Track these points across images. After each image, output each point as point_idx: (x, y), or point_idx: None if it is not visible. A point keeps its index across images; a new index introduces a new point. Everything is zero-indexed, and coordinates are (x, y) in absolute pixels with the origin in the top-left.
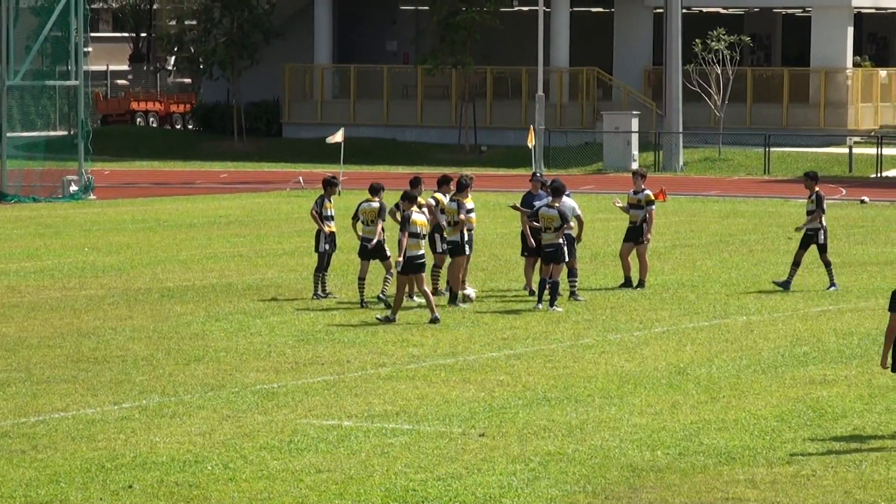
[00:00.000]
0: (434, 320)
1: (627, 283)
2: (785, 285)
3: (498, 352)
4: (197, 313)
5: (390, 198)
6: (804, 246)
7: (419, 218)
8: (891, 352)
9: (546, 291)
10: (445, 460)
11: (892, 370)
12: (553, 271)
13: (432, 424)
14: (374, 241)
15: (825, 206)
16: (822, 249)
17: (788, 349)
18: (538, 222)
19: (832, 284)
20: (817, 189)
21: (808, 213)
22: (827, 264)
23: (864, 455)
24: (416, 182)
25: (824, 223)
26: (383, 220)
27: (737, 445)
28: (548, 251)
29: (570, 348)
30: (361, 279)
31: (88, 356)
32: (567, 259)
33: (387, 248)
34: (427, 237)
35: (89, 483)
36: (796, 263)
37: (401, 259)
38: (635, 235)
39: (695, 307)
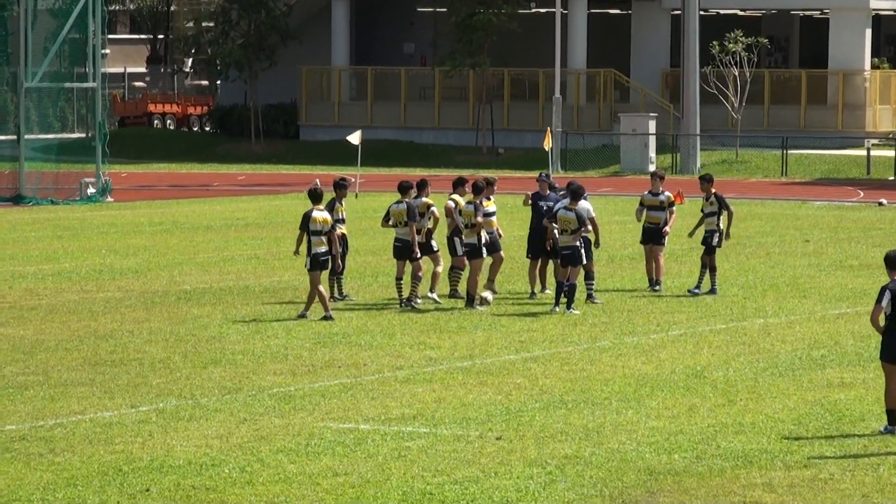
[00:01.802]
0: (326, 318)
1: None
2: (695, 291)
3: (515, 355)
4: (214, 316)
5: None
6: (711, 251)
7: (319, 215)
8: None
9: (563, 294)
10: (462, 463)
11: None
12: (570, 274)
13: (449, 428)
14: (419, 239)
15: (728, 205)
16: (712, 252)
17: (806, 352)
18: (556, 224)
19: (712, 289)
20: (714, 191)
21: (707, 215)
22: (712, 269)
23: (882, 458)
24: (422, 184)
25: (721, 226)
26: (415, 220)
27: (754, 449)
28: (565, 253)
29: (586, 351)
30: (399, 279)
31: (106, 359)
32: (584, 261)
33: (417, 250)
34: (447, 240)
35: (106, 486)
36: (704, 266)
37: (308, 257)
38: (656, 237)
39: (712, 310)
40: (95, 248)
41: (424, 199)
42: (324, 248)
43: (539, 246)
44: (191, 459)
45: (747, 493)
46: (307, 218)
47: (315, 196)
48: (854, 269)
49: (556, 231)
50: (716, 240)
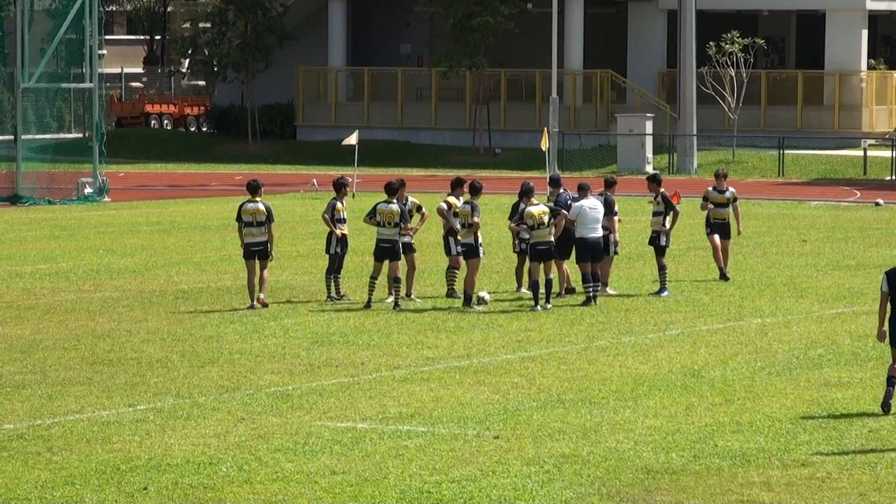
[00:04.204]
0: (252, 307)
1: (723, 276)
2: (660, 292)
3: (512, 354)
4: (211, 315)
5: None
6: (660, 251)
7: (249, 206)
8: (888, 325)
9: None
10: (460, 462)
11: (892, 343)
12: (546, 268)
13: (447, 426)
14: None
15: (675, 206)
16: (661, 252)
17: (803, 351)
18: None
19: (662, 289)
20: (662, 190)
21: (655, 214)
22: (662, 268)
23: (880, 457)
24: (397, 185)
25: (668, 225)
26: (406, 221)
27: (752, 448)
28: (541, 249)
29: (584, 350)
30: (372, 278)
31: (103, 358)
32: (556, 257)
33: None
34: (443, 239)
35: (104, 485)
36: (662, 268)
37: (241, 247)
38: (724, 231)
39: (709, 309)
40: (93, 248)
41: (413, 199)
42: (256, 239)
43: (561, 243)
44: (189, 458)
45: (745, 491)
46: (239, 209)
47: (251, 188)
48: (851, 268)
49: (523, 229)
50: (663, 240)
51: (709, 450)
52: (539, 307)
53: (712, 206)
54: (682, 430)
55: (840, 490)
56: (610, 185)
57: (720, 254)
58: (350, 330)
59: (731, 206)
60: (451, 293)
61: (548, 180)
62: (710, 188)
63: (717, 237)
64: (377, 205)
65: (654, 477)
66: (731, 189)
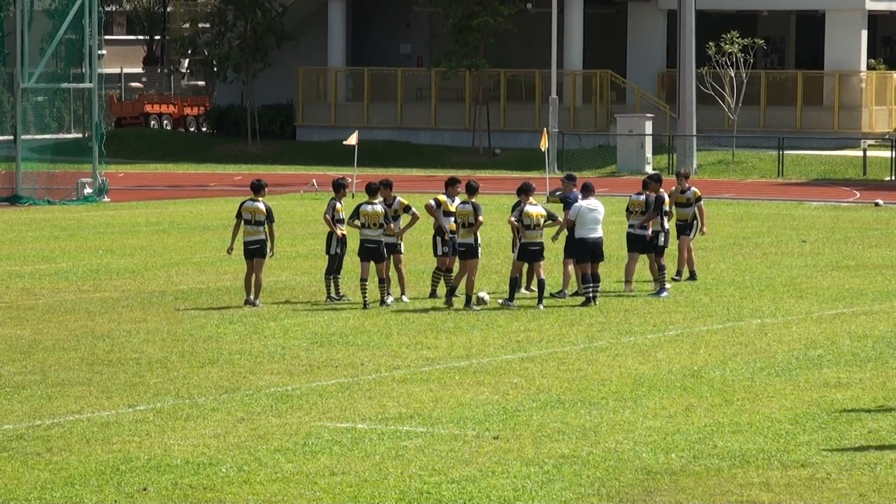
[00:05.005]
0: (248, 302)
1: (692, 276)
2: (660, 293)
3: (512, 354)
4: (211, 316)
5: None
6: (658, 251)
7: (250, 205)
8: None
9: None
10: (459, 463)
11: None
12: (537, 269)
13: (446, 427)
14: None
15: (664, 209)
16: (659, 252)
17: (803, 352)
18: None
19: (663, 289)
20: (661, 191)
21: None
22: (660, 268)
23: (879, 457)
24: (381, 185)
25: (667, 226)
26: (389, 222)
27: (751, 448)
28: (533, 249)
29: (583, 351)
30: (363, 280)
31: (103, 359)
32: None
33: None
34: (433, 239)
35: (104, 485)
36: (661, 268)
37: (232, 246)
38: (686, 230)
39: (709, 310)
40: (92, 249)
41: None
42: (253, 238)
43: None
44: (188, 459)
45: (744, 492)
46: (240, 206)
47: (254, 187)
48: (850, 269)
49: (520, 227)
50: (661, 240)
51: (708, 450)
52: (513, 303)
53: (675, 207)
54: (681, 431)
55: (840, 491)
56: (647, 185)
57: (684, 254)
58: (350, 330)
59: (694, 206)
60: (433, 294)
61: (563, 177)
62: (673, 188)
63: (678, 238)
64: (360, 206)
65: (653, 477)
66: (692, 189)
